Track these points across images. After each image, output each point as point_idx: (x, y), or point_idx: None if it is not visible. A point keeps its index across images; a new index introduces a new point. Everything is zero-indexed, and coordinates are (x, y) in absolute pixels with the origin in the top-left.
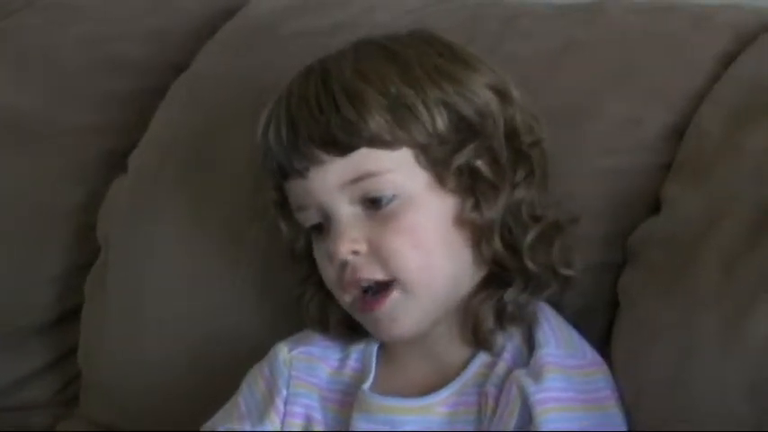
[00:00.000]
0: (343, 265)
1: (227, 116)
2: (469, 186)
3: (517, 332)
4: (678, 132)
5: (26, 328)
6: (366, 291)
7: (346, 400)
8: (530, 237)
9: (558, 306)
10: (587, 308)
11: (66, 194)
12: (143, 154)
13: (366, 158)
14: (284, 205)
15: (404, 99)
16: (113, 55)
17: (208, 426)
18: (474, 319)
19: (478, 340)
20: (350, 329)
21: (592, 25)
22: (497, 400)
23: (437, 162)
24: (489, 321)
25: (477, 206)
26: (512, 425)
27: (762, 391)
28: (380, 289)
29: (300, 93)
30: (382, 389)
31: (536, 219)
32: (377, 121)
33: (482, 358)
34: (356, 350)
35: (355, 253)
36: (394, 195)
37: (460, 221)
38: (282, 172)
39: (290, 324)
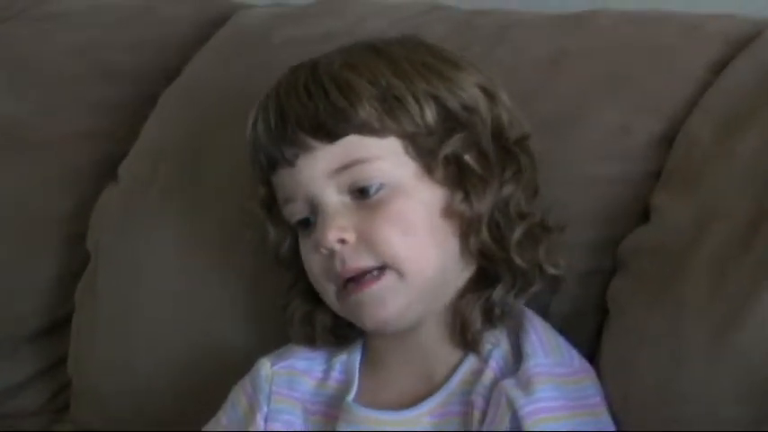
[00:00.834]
0: (330, 255)
1: (219, 124)
2: (458, 179)
3: (504, 340)
4: (668, 140)
5: (17, 336)
6: (350, 279)
7: (330, 413)
8: (517, 233)
9: (546, 312)
10: (576, 314)
11: (56, 202)
12: (134, 162)
13: (355, 146)
14: (271, 205)
15: (393, 90)
16: (105, 63)
17: None
18: (462, 320)
19: (466, 341)
20: (335, 338)
21: (583, 34)
22: (485, 410)
23: (425, 152)
24: (477, 320)
25: (465, 198)
26: None
27: (749, 399)
28: (367, 274)
29: (289, 84)
30: (367, 400)
31: (523, 216)
32: (366, 109)
33: (469, 364)
34: (340, 361)
35: (342, 242)
36: (382, 184)
37: (449, 213)
38: (271, 163)
39: (281, 333)
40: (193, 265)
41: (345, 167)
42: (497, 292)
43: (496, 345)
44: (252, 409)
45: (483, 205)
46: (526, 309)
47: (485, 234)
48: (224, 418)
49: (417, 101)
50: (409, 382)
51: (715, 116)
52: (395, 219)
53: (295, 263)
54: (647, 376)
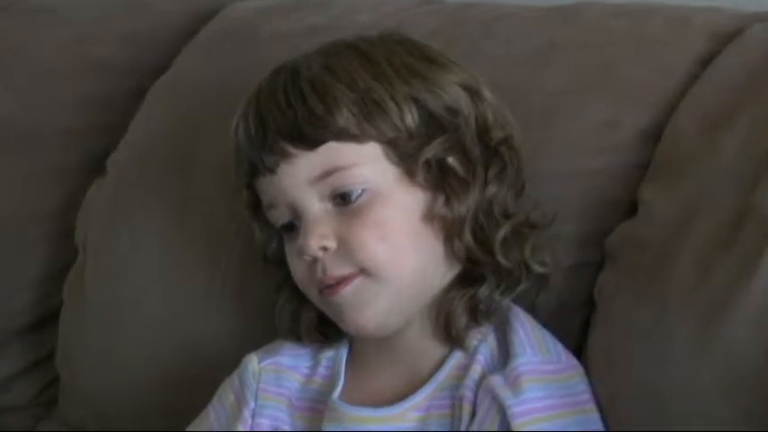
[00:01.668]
0: (313, 261)
1: (207, 118)
2: (439, 182)
3: (491, 335)
4: (655, 134)
5: (5, 331)
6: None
7: (317, 408)
8: (501, 233)
9: (533, 306)
10: (563, 307)
11: (44, 197)
12: (122, 156)
13: (334, 153)
14: (257, 207)
15: (372, 94)
16: (92, 57)
17: None
18: (446, 316)
19: (451, 337)
20: (321, 335)
21: (570, 28)
22: (474, 404)
23: (406, 156)
24: (462, 318)
25: (447, 202)
26: None
27: (736, 392)
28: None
29: (269, 89)
30: (353, 397)
31: (508, 216)
32: (344, 115)
33: (455, 359)
34: (326, 357)
35: (324, 249)
36: (363, 190)
37: (431, 217)
38: (253, 169)
39: (269, 328)
40: (181, 260)
41: (326, 174)
42: (483, 291)
43: (483, 340)
44: (239, 405)
45: (464, 208)
46: (512, 304)
47: (468, 237)
48: (211, 414)
49: (397, 105)
50: (395, 379)
51: (702, 110)
52: (373, 225)
53: (282, 261)
54: (634, 369)
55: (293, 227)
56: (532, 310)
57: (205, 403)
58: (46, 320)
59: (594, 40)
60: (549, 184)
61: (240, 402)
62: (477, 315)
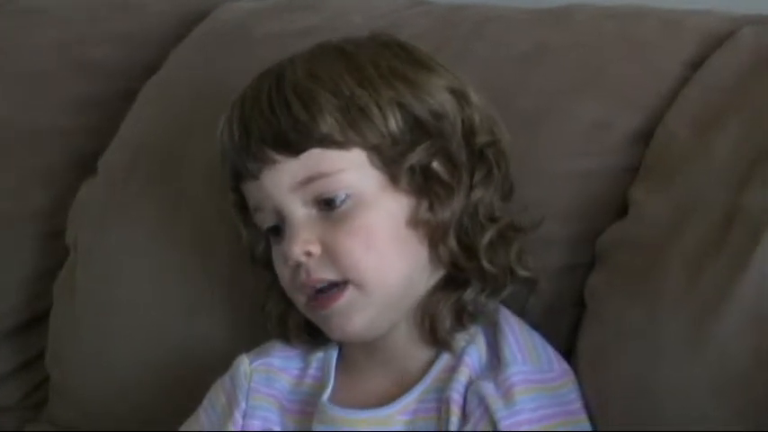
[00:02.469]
0: (298, 266)
1: (198, 118)
2: (424, 187)
3: (480, 337)
4: (646, 136)
5: None
6: (320, 291)
7: (306, 410)
8: (486, 237)
9: (524, 307)
10: (554, 309)
11: (35, 197)
12: (113, 156)
13: (318, 159)
14: (244, 208)
15: (356, 99)
16: (83, 58)
17: None
18: (431, 319)
19: (437, 340)
20: (310, 336)
21: (561, 30)
22: (462, 408)
23: (390, 162)
24: (447, 321)
25: (431, 207)
26: None
27: (728, 392)
28: (334, 287)
29: (254, 94)
30: (342, 399)
31: (493, 220)
32: (328, 122)
33: (442, 362)
34: (316, 359)
35: (308, 254)
36: (347, 196)
37: (415, 222)
38: (237, 174)
39: (260, 329)
40: (172, 261)
41: (310, 180)
42: (468, 294)
43: (471, 342)
44: (230, 405)
45: (448, 213)
46: (502, 307)
47: (452, 241)
48: (202, 416)
49: (381, 111)
50: (383, 382)
51: (693, 112)
52: (359, 232)
53: (270, 263)
54: (625, 370)
55: (279, 230)
56: (523, 311)
57: (196, 404)
58: (35, 321)
59: (585, 41)
60: (540, 185)
61: (231, 403)
62: (462, 318)
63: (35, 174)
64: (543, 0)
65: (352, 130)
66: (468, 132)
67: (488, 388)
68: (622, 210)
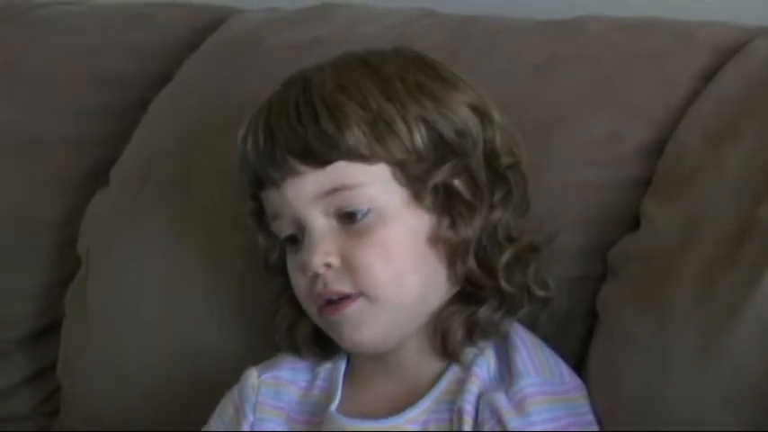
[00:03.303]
0: (315, 277)
1: (210, 129)
2: (446, 205)
3: (491, 351)
4: (658, 148)
5: (7, 341)
6: (330, 300)
7: (314, 421)
8: (505, 258)
9: (536, 318)
10: (566, 320)
11: (47, 207)
12: (125, 167)
13: (343, 172)
14: (261, 215)
15: (383, 114)
16: (96, 68)
17: None
18: (443, 332)
19: (447, 352)
20: (318, 348)
21: (573, 41)
22: (474, 419)
23: (414, 179)
24: (458, 334)
25: (452, 225)
26: None
27: (740, 405)
28: (345, 298)
29: (281, 102)
30: (350, 409)
31: (511, 240)
32: (355, 135)
33: (452, 374)
34: (324, 369)
35: (328, 266)
36: (369, 210)
37: (435, 239)
38: (258, 181)
39: (271, 339)
40: (184, 271)
41: (332, 192)
42: (483, 311)
43: (479, 354)
44: (238, 419)
45: (470, 231)
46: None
47: (471, 260)
48: (212, 428)
49: (407, 125)
50: (392, 393)
51: (705, 124)
52: (379, 246)
53: (284, 270)
54: (635, 382)
55: (296, 239)
56: (535, 322)
57: (206, 414)
58: (48, 330)
59: (597, 53)
60: (552, 197)
61: (239, 416)
62: (474, 333)
63: (49, 183)
64: (555, 12)
65: (379, 144)
66: (489, 152)
67: (500, 399)
68: (634, 222)
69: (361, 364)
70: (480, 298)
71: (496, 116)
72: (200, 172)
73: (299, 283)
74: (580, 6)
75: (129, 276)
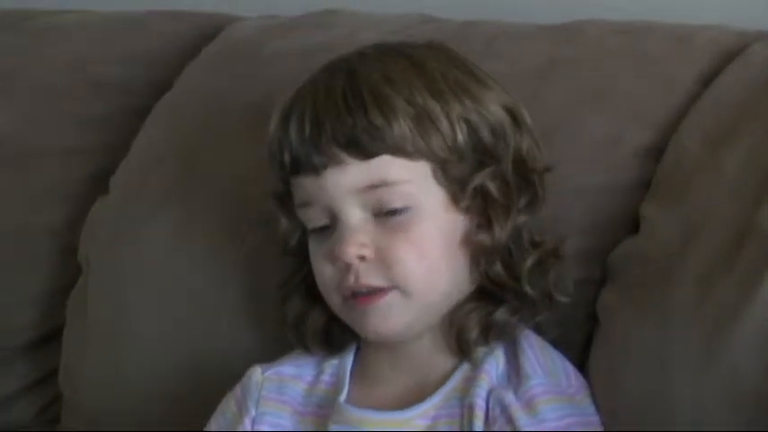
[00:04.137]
0: (345, 268)
1: (210, 137)
2: (481, 208)
3: (500, 351)
4: (657, 151)
5: (8, 348)
6: (358, 292)
7: (321, 413)
8: (529, 262)
9: (536, 323)
10: (566, 324)
11: (48, 215)
12: (125, 175)
13: (386, 166)
14: (285, 199)
15: (429, 110)
16: (95, 77)
17: None
18: (459, 328)
19: (461, 349)
20: (325, 343)
21: (572, 45)
22: (486, 413)
23: (454, 180)
24: (474, 332)
25: (485, 228)
26: None
27: (740, 408)
28: (377, 291)
29: (328, 90)
30: (358, 401)
31: (535, 245)
32: (402, 129)
33: (463, 371)
34: (330, 365)
35: (361, 258)
36: (407, 207)
37: (467, 241)
38: (295, 166)
39: (276, 348)
40: (186, 278)
41: (373, 187)
42: (500, 313)
43: (489, 353)
44: (240, 414)
45: (503, 235)
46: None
47: (498, 264)
48: (213, 425)
49: (450, 123)
50: (402, 388)
51: (704, 128)
52: (415, 242)
53: (300, 256)
54: (635, 386)
55: (324, 228)
56: (536, 327)
57: (206, 423)
58: (48, 338)
59: (597, 57)
60: (551, 200)
61: (242, 411)
62: (488, 334)
63: (50, 191)
64: (554, 15)
65: (423, 140)
66: (520, 157)
67: (510, 398)
68: (634, 225)
69: (369, 359)
70: (499, 298)
71: (527, 118)
72: (200, 179)
73: (325, 271)
74: (579, 10)
75: (130, 283)
